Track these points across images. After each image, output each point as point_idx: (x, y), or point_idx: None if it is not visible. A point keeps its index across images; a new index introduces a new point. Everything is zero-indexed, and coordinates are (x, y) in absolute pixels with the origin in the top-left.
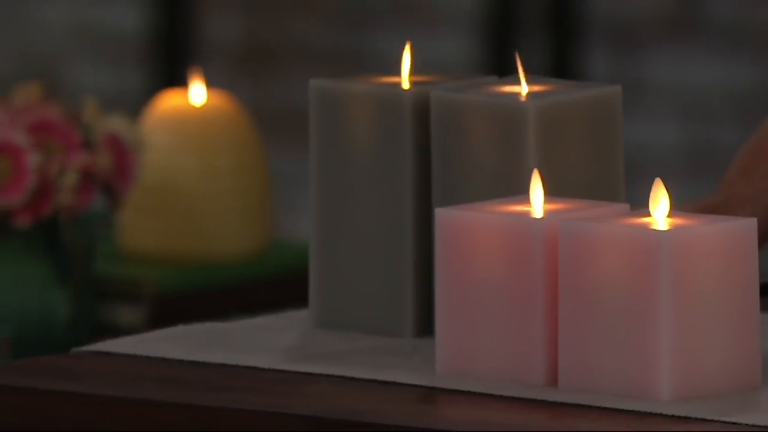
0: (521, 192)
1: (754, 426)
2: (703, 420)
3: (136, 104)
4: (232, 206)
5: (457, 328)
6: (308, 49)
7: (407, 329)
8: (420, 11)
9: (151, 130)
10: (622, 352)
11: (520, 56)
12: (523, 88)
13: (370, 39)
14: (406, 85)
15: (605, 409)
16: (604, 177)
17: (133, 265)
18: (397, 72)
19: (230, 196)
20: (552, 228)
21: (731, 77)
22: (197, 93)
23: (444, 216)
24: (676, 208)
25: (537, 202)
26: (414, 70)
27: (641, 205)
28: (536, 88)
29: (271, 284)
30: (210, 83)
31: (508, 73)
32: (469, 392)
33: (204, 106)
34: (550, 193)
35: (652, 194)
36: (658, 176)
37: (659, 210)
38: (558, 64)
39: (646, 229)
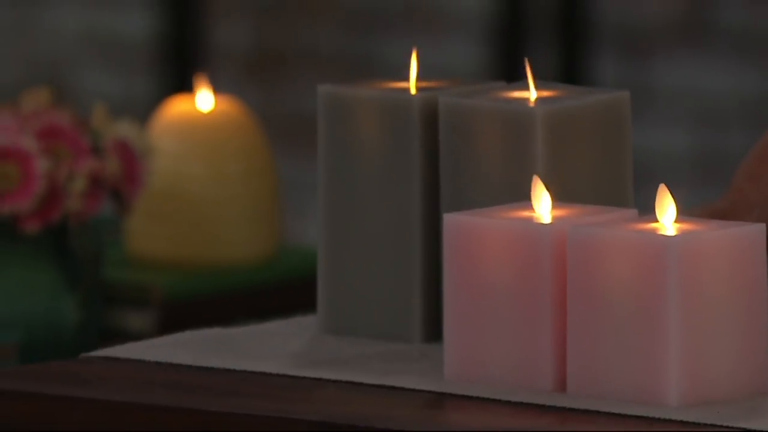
0: (530, 198)
1: None
2: (712, 426)
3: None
4: (240, 212)
5: (465, 334)
6: (317, 54)
7: (415, 335)
8: (429, 17)
9: (159, 136)
10: (631, 357)
11: (529, 62)
12: (532, 94)
13: (378, 45)
14: (414, 90)
15: (614, 414)
16: (613, 182)
17: (142, 270)
18: (406, 77)
19: (239, 202)
20: (560, 233)
21: (741, 83)
22: (206, 99)
23: (452, 221)
24: (683, 213)
25: (541, 207)
26: (422, 75)
27: (650, 211)
28: (545, 93)
29: (279, 290)
30: (219, 89)
31: (516, 79)
32: (477, 398)
33: (213, 111)
34: (559, 198)
35: (657, 201)
36: (663, 182)
37: (667, 216)
38: (567, 70)
39: (654, 235)
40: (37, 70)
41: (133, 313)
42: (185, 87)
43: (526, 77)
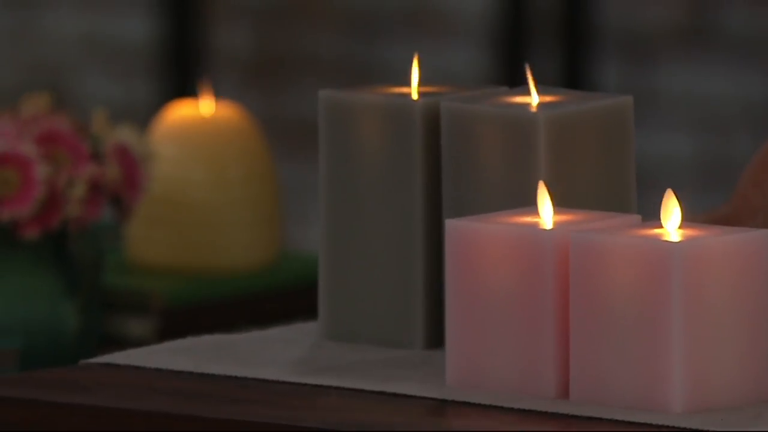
0: (532, 203)
1: None
2: None
3: (145, 115)
4: (241, 218)
5: (467, 340)
6: (318, 59)
7: (417, 341)
8: (430, 22)
9: (160, 141)
10: (634, 364)
11: (530, 67)
12: (534, 99)
13: (380, 49)
14: (416, 95)
15: (617, 421)
16: (616, 188)
17: (142, 276)
18: (407, 83)
19: (240, 208)
20: (563, 239)
21: (745, 88)
22: (206, 104)
23: (454, 227)
24: (687, 219)
25: (546, 213)
26: (424, 80)
27: (654, 217)
28: (547, 98)
29: (280, 296)
30: (219, 94)
31: (519, 84)
32: (479, 404)
33: (213, 116)
34: (561, 204)
35: (663, 205)
36: (670, 187)
37: (671, 221)
38: (569, 75)
39: (657, 241)
40: (36, 74)
41: (133, 320)
42: (186, 92)
43: (527, 83)
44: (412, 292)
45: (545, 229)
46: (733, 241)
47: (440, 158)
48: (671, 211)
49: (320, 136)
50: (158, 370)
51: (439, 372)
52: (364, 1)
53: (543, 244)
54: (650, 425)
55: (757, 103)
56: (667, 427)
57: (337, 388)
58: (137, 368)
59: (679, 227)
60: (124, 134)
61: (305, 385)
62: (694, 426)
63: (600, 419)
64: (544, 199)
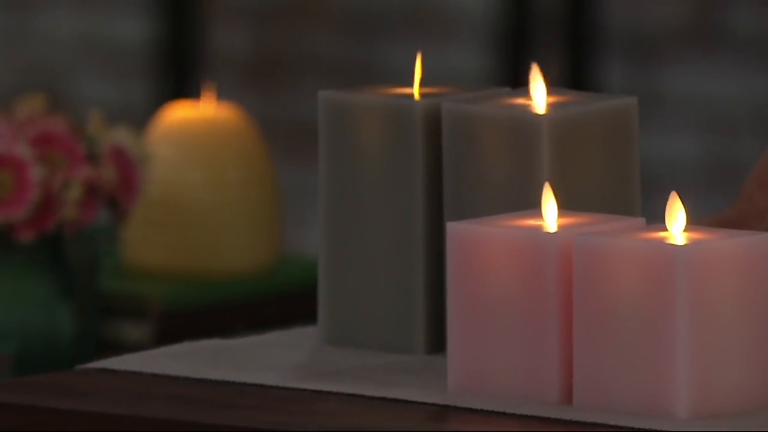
0: (535, 206)
1: None
2: None
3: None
4: (239, 220)
5: (469, 345)
6: (318, 60)
7: (418, 346)
8: (432, 21)
9: (157, 143)
10: (639, 369)
11: (534, 67)
12: (539, 100)
13: (380, 50)
14: (417, 96)
15: (621, 427)
16: (620, 190)
17: (139, 280)
18: (408, 83)
19: (238, 210)
20: (566, 243)
21: (751, 89)
22: (204, 105)
23: (456, 230)
24: (692, 222)
25: (550, 216)
26: (425, 81)
27: (659, 220)
28: (551, 99)
29: (279, 300)
30: (218, 95)
31: (521, 85)
32: (481, 410)
33: (211, 118)
34: (565, 206)
35: (668, 208)
36: (674, 190)
37: (676, 224)
38: (573, 76)
39: (662, 244)
40: (32, 75)
41: (130, 324)
42: (183, 93)
43: (531, 83)
44: (413, 295)
45: (548, 232)
46: (739, 245)
47: (441, 160)
48: (676, 214)
49: (320, 137)
50: (155, 376)
51: (440, 377)
52: (364, 1)
53: (546, 248)
54: (655, 431)
55: (763, 104)
56: None
57: (336, 393)
58: (134, 373)
59: (684, 230)
60: (121, 136)
61: (304, 390)
62: None
63: (604, 425)
64: (549, 201)
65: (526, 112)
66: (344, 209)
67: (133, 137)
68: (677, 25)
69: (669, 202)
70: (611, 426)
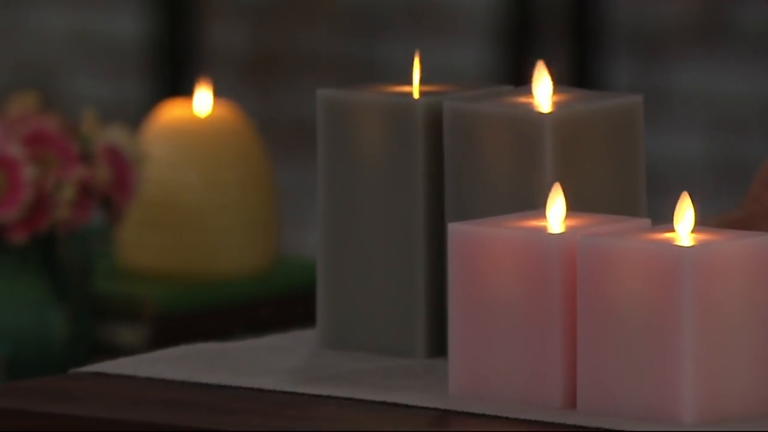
0: (538, 206)
1: None
2: None
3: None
4: (236, 221)
5: (471, 348)
6: (317, 57)
7: (419, 349)
8: (433, 17)
9: (152, 142)
10: (644, 373)
11: (539, 64)
12: (543, 98)
13: (381, 47)
14: (417, 95)
15: None
16: (625, 191)
17: (133, 282)
18: (409, 81)
19: (235, 211)
20: (570, 244)
21: (761, 86)
22: (201, 103)
23: (457, 231)
24: (699, 222)
25: (555, 216)
26: (426, 79)
27: (665, 220)
28: (554, 97)
29: (277, 302)
30: (214, 93)
31: (525, 82)
32: (483, 415)
33: (208, 116)
34: (569, 207)
35: (677, 208)
36: (685, 190)
37: (682, 225)
38: (578, 73)
39: (668, 245)
40: (23, 73)
41: (125, 327)
42: (179, 91)
43: (534, 81)
44: (414, 298)
45: (552, 233)
46: (747, 246)
47: (443, 160)
48: (684, 214)
49: (319, 136)
50: (150, 380)
51: (441, 381)
52: None
53: (549, 249)
54: None
55: None
56: None
57: (335, 398)
58: (128, 377)
59: (691, 231)
60: (115, 135)
61: (302, 395)
62: None
63: (608, 430)
64: (557, 201)
65: (530, 111)
66: (343, 210)
67: (127, 136)
68: (684, 21)
69: (679, 202)
70: (616, 431)
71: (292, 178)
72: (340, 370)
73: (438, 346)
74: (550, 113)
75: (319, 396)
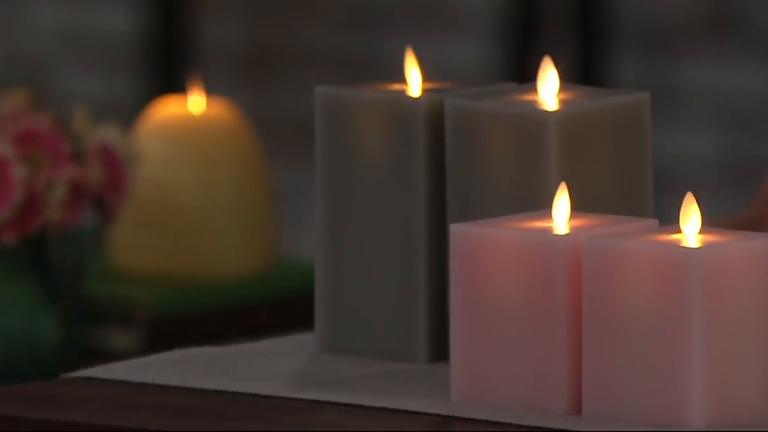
0: (542, 207)
1: None
2: None
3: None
4: (232, 222)
5: (473, 353)
6: (315, 54)
7: (420, 354)
8: (434, 12)
9: (145, 141)
10: (651, 378)
11: (545, 60)
12: (547, 95)
13: (380, 42)
14: (418, 92)
15: None
16: (632, 191)
17: (127, 285)
18: (409, 78)
19: (231, 212)
20: (575, 245)
21: None
22: (196, 101)
23: (459, 232)
24: (707, 223)
25: (560, 217)
26: (427, 76)
27: (673, 221)
28: (559, 95)
29: (274, 306)
30: (209, 90)
31: (529, 79)
32: (486, 421)
33: (203, 114)
34: (574, 207)
35: (682, 210)
36: (690, 190)
37: (690, 226)
38: (584, 70)
39: (675, 247)
40: (13, 69)
41: (117, 331)
42: (173, 88)
43: (539, 78)
44: (415, 301)
45: (556, 234)
46: (757, 247)
47: (444, 159)
48: (691, 216)
49: (317, 135)
50: (144, 385)
51: (443, 386)
52: None
53: (554, 251)
54: None
55: None
56: None
57: (334, 403)
58: (121, 383)
59: (699, 232)
60: (108, 133)
61: (301, 400)
62: None
63: None
64: (562, 202)
65: (534, 109)
66: (342, 210)
67: (120, 135)
68: (694, 15)
69: (684, 203)
70: None
71: (289, 178)
72: (339, 375)
73: (439, 350)
74: (554, 111)
75: (318, 401)
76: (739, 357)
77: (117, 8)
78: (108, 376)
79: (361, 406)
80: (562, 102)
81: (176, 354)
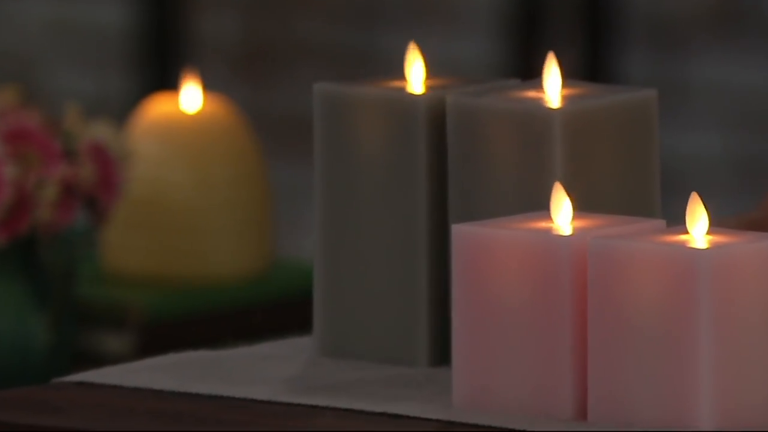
0: (546, 207)
1: None
2: None
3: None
4: (228, 222)
5: (475, 357)
6: (313, 48)
7: (421, 357)
8: (436, 7)
9: (138, 139)
10: (659, 382)
11: (550, 56)
12: (552, 92)
13: (381, 38)
14: (419, 89)
15: None
16: (638, 190)
17: (119, 287)
18: (410, 75)
19: (227, 212)
20: (580, 246)
21: None
22: (190, 97)
23: (461, 233)
24: (716, 223)
25: (562, 218)
26: (429, 72)
27: (681, 221)
28: (564, 92)
29: (271, 308)
30: (205, 87)
31: (533, 76)
32: (488, 427)
33: (198, 112)
34: (579, 207)
35: (688, 210)
36: (698, 190)
37: (697, 227)
38: (590, 66)
39: (683, 248)
40: (2, 66)
41: (110, 335)
42: (167, 84)
43: (543, 74)
44: (416, 303)
45: (561, 235)
46: (766, 248)
47: (446, 158)
48: (697, 216)
49: (315, 133)
50: (137, 390)
51: (444, 391)
52: None
53: (558, 252)
54: None
55: None
56: None
57: (333, 408)
58: (114, 387)
59: (707, 233)
60: (100, 131)
61: (299, 405)
62: None
63: None
64: (560, 202)
65: (538, 106)
66: (342, 210)
67: (112, 132)
68: (704, 9)
69: (689, 204)
70: None
71: (287, 177)
72: (338, 380)
73: (441, 354)
74: (559, 108)
75: (316, 407)
76: (749, 360)
77: (108, 1)
78: (101, 381)
79: (361, 412)
80: (566, 99)
81: (171, 358)
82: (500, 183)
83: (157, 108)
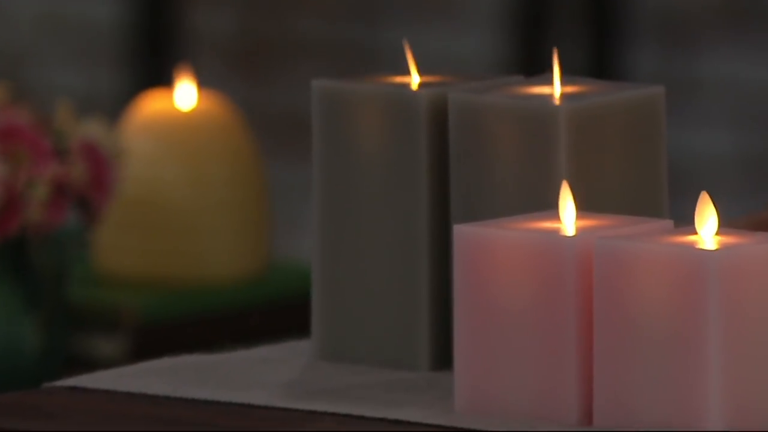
0: (551, 206)
1: None
2: None
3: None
4: (224, 222)
5: (478, 361)
6: (311, 44)
7: (422, 361)
8: (438, 3)
9: (132, 137)
10: (666, 386)
11: (552, 52)
12: (555, 89)
13: (381, 34)
14: (420, 86)
15: None
16: (646, 189)
17: (112, 289)
18: (411, 71)
19: (223, 212)
20: (586, 247)
21: None
22: (185, 94)
23: (463, 233)
24: (725, 224)
25: (568, 217)
26: (430, 68)
27: (689, 221)
28: (569, 89)
29: (268, 311)
30: (199, 83)
31: (536, 72)
32: None
33: (192, 109)
34: (584, 207)
35: (697, 210)
36: (708, 189)
37: (706, 227)
38: (597, 62)
39: (691, 249)
40: None
41: (103, 338)
42: (160, 81)
43: (548, 70)
44: (417, 306)
45: (566, 236)
46: None
47: (447, 156)
48: (706, 216)
49: (313, 130)
50: (131, 395)
51: (446, 396)
52: None
53: (563, 253)
54: None
55: None
56: None
57: (332, 414)
58: (107, 392)
59: (716, 234)
60: (92, 129)
61: (297, 410)
62: None
63: None
64: (566, 202)
65: (541, 103)
66: (340, 210)
67: (105, 130)
68: (713, 5)
69: (699, 204)
70: None
71: (284, 176)
72: (337, 384)
73: (443, 358)
74: (563, 105)
75: (315, 412)
76: (758, 362)
77: None
78: (93, 386)
79: (361, 417)
80: (571, 95)
81: (165, 362)
82: (503, 181)
83: (151, 105)
